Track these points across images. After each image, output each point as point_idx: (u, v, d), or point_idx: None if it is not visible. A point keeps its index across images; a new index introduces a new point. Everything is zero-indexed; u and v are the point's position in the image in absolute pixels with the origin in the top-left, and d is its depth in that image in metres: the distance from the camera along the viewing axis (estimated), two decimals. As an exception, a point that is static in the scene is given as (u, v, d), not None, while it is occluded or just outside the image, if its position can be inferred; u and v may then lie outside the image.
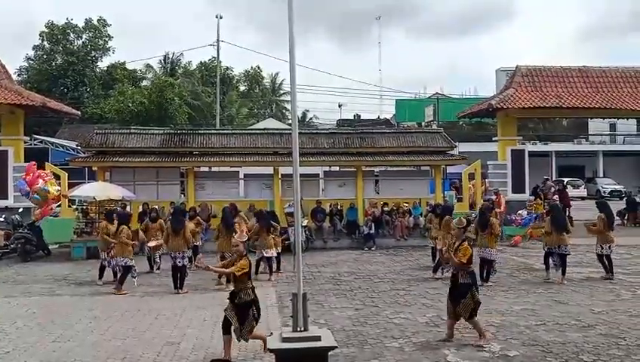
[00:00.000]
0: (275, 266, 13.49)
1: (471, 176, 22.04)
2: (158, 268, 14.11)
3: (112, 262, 12.30)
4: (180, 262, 11.80)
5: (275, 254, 13.28)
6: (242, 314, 7.15)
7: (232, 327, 7.17)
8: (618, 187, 38.77)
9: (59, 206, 19.10)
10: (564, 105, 21.47)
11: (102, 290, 12.00)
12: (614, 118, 30.09)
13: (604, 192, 38.15)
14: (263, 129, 23.13)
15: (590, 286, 11.91)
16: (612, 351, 7.53)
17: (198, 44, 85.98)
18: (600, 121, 41.48)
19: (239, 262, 7.37)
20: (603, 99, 21.83)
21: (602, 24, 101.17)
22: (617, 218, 23.34)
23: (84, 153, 21.18)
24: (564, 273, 12.24)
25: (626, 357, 7.35)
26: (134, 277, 12.09)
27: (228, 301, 7.38)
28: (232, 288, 7.45)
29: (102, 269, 12.66)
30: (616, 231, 13.82)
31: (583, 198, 36.06)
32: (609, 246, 12.74)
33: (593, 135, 48.10)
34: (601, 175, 43.38)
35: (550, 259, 12.51)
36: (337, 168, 22.60)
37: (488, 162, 22.75)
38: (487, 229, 12.23)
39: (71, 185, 19.70)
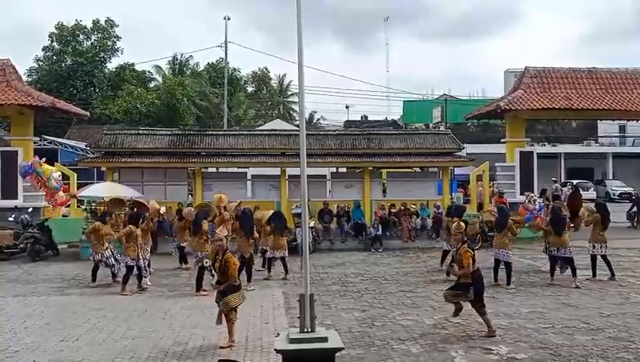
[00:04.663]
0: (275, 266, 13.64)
1: (479, 178, 21.96)
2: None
3: (109, 261, 12.63)
4: (200, 262, 11.88)
5: (287, 254, 13.44)
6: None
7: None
8: (627, 189, 38.46)
9: (67, 206, 19.16)
10: (573, 107, 21.33)
11: (110, 290, 12.05)
12: (624, 119, 29.89)
13: (614, 194, 37.85)
14: (271, 130, 23.13)
15: (599, 289, 11.83)
16: (621, 355, 7.48)
17: (205, 45, 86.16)
18: (609, 123, 41.29)
19: (230, 261, 8.05)
20: (612, 100, 21.68)
21: (609, 26, 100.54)
22: (627, 220, 23.29)
23: (93, 153, 21.30)
24: (574, 275, 12.12)
25: (636, 360, 7.30)
26: (145, 277, 12.17)
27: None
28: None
29: (95, 270, 12.78)
30: (626, 233, 13.70)
31: (592, 200, 35.76)
32: (601, 246, 12.68)
33: (602, 137, 47.76)
34: (611, 177, 43.07)
35: (557, 262, 12.45)
36: (344, 169, 22.58)
37: (496, 164, 22.65)
38: (504, 230, 12.23)
39: (80, 186, 19.82)
